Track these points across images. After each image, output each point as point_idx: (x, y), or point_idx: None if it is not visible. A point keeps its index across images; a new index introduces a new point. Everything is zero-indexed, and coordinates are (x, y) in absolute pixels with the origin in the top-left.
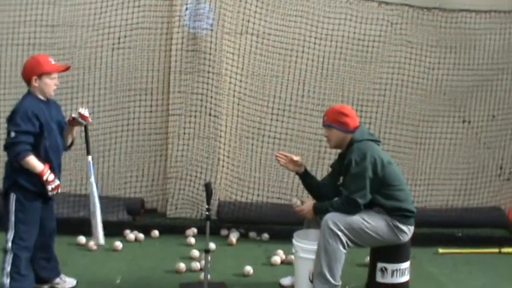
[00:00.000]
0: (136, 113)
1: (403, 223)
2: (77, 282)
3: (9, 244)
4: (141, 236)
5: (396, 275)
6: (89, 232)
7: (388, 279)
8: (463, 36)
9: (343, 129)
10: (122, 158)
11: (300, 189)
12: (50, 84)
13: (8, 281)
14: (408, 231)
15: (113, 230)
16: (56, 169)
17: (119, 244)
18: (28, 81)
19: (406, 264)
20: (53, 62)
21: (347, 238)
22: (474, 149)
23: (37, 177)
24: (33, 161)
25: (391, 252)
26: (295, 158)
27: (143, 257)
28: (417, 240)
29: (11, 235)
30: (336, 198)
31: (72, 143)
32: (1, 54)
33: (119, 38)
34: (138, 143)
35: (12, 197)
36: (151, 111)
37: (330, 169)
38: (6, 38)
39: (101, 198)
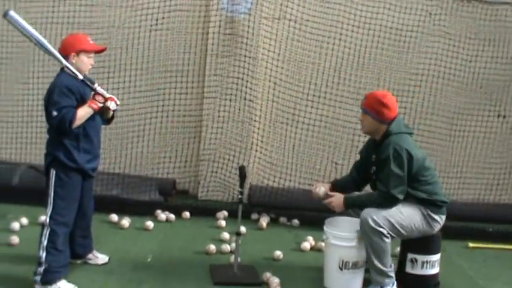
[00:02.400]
0: (171, 94)
1: (435, 213)
2: (109, 259)
3: (48, 219)
4: (172, 216)
5: (426, 267)
6: (121, 210)
7: (418, 271)
8: (503, 29)
9: (378, 119)
10: (156, 138)
11: (331, 175)
12: (87, 63)
13: (44, 254)
14: (440, 220)
15: (144, 209)
16: (96, 145)
17: (150, 224)
18: (66, 58)
19: (436, 257)
20: (91, 42)
21: (388, 230)
22: (508, 144)
23: (77, 153)
24: (81, 113)
25: (422, 243)
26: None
27: (174, 237)
28: (447, 233)
29: (49, 210)
30: (372, 192)
31: (112, 117)
32: (41, 32)
33: (157, 20)
34: (173, 124)
35: (52, 173)
36: (186, 93)
37: (358, 156)
38: (46, 16)
39: (133, 177)
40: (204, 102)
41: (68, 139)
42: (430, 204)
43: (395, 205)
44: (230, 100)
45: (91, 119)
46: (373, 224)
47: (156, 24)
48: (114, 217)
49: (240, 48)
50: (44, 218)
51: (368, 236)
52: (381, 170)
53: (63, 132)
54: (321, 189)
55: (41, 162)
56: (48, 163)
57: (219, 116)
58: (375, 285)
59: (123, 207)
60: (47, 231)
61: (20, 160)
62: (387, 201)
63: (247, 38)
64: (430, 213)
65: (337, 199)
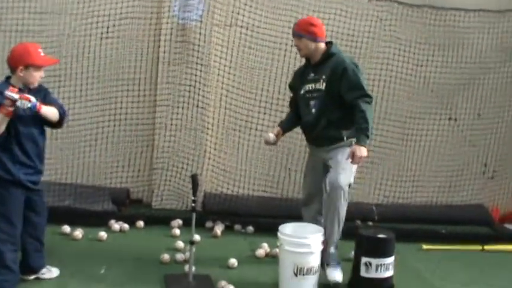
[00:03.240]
0: (123, 103)
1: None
2: (61, 272)
3: None
4: (126, 226)
5: (380, 270)
6: (73, 221)
7: (373, 274)
8: (452, 34)
9: (312, 39)
10: (109, 147)
11: (285, 182)
12: (36, 76)
13: None
14: None
15: (97, 220)
16: (33, 157)
17: (103, 234)
18: (13, 69)
19: (390, 259)
20: (42, 54)
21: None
22: (459, 147)
23: (12, 165)
24: None
25: (375, 247)
26: (271, 137)
27: (128, 247)
28: (401, 236)
29: None
30: (357, 115)
31: (60, 122)
32: None
33: (108, 27)
34: (125, 133)
35: None
36: (138, 102)
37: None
38: None
39: (86, 187)
40: (156, 110)
41: (1, 151)
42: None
43: (372, 102)
44: (183, 108)
45: (26, 129)
46: (345, 188)
47: (107, 32)
48: (66, 228)
49: (191, 56)
50: None
51: (339, 202)
52: (342, 82)
53: None
54: (270, 135)
55: None
56: None
57: (171, 124)
58: (333, 259)
59: (76, 218)
60: None
61: None
62: (370, 104)
63: (199, 45)
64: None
65: (358, 151)
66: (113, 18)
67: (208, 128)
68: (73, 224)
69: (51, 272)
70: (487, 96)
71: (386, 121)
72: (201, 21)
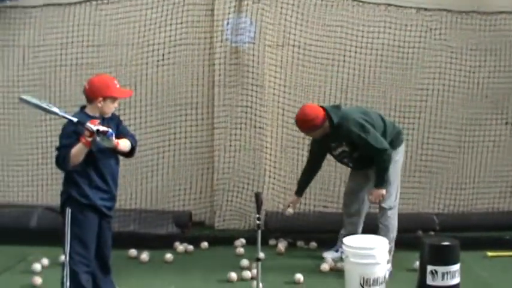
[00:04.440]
0: (182, 127)
1: (400, 145)
2: None
3: (67, 259)
4: (190, 247)
5: (446, 278)
6: (139, 245)
7: (439, 282)
8: (503, 38)
9: (317, 128)
10: (170, 172)
11: None
12: (112, 107)
13: None
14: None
15: (162, 242)
16: (109, 182)
17: (170, 256)
18: (91, 100)
19: (456, 267)
20: (117, 86)
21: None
22: None
23: (89, 189)
24: (74, 150)
25: (441, 255)
26: (291, 210)
27: (194, 268)
28: (465, 244)
29: (67, 250)
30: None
31: (131, 152)
32: (50, 76)
33: (163, 55)
34: (185, 156)
35: (68, 211)
36: (197, 125)
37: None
38: (54, 59)
39: (150, 212)
40: (214, 132)
41: (80, 176)
42: (396, 140)
43: (390, 152)
44: (240, 129)
45: (104, 158)
46: (391, 214)
47: (163, 59)
48: (133, 252)
49: (246, 77)
50: (63, 258)
51: (389, 226)
52: (361, 147)
53: (62, 170)
54: (288, 211)
55: (57, 203)
56: (63, 201)
57: (230, 145)
58: None
59: (142, 241)
60: (67, 272)
61: (37, 202)
62: (386, 155)
63: (252, 67)
64: (396, 150)
65: (376, 193)
66: (168, 46)
67: (266, 147)
68: (139, 247)
69: None
70: None
71: (442, 130)
72: (253, 43)
